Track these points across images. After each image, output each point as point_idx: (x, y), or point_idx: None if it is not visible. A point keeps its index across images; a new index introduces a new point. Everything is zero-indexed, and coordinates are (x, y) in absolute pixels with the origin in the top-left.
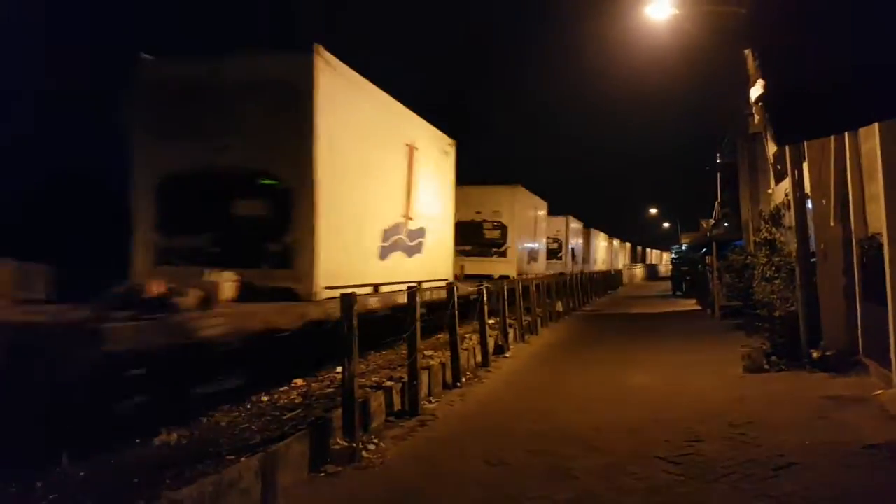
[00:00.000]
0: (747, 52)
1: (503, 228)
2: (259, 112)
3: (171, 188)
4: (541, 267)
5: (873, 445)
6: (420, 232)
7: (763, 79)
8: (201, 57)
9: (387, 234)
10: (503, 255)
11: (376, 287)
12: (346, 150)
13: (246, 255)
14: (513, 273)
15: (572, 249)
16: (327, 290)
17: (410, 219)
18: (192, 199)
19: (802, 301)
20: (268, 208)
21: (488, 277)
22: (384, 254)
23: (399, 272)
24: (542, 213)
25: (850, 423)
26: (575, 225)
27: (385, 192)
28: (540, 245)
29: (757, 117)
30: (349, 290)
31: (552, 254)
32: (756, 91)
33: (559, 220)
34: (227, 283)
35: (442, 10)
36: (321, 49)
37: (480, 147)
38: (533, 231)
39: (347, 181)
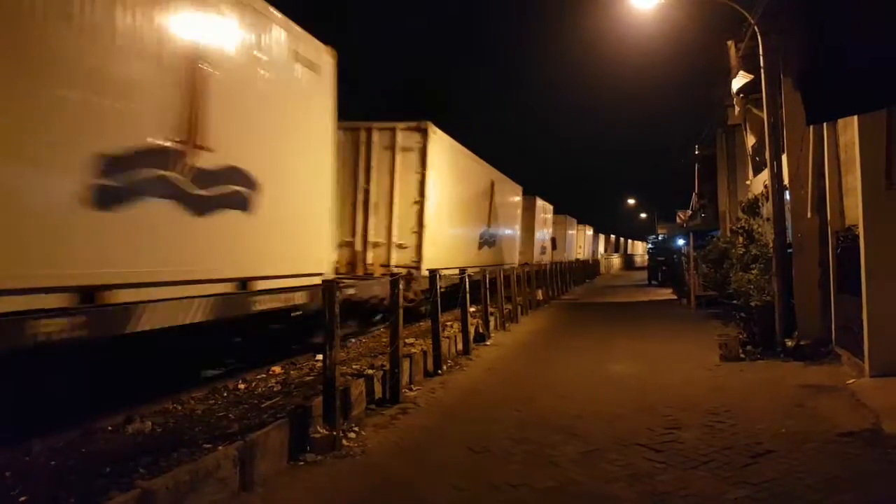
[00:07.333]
0: (730, 43)
1: None
2: None
3: None
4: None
5: (847, 433)
6: (239, 175)
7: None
8: None
9: (114, 166)
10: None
11: (91, 294)
12: None
13: None
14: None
15: (553, 239)
16: None
17: (202, 147)
18: None
19: (778, 291)
20: None
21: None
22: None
23: (180, 257)
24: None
25: (825, 411)
26: (546, 215)
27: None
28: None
29: (737, 108)
30: None
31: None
32: (738, 82)
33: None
34: None
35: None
36: None
37: (456, 132)
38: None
39: None
